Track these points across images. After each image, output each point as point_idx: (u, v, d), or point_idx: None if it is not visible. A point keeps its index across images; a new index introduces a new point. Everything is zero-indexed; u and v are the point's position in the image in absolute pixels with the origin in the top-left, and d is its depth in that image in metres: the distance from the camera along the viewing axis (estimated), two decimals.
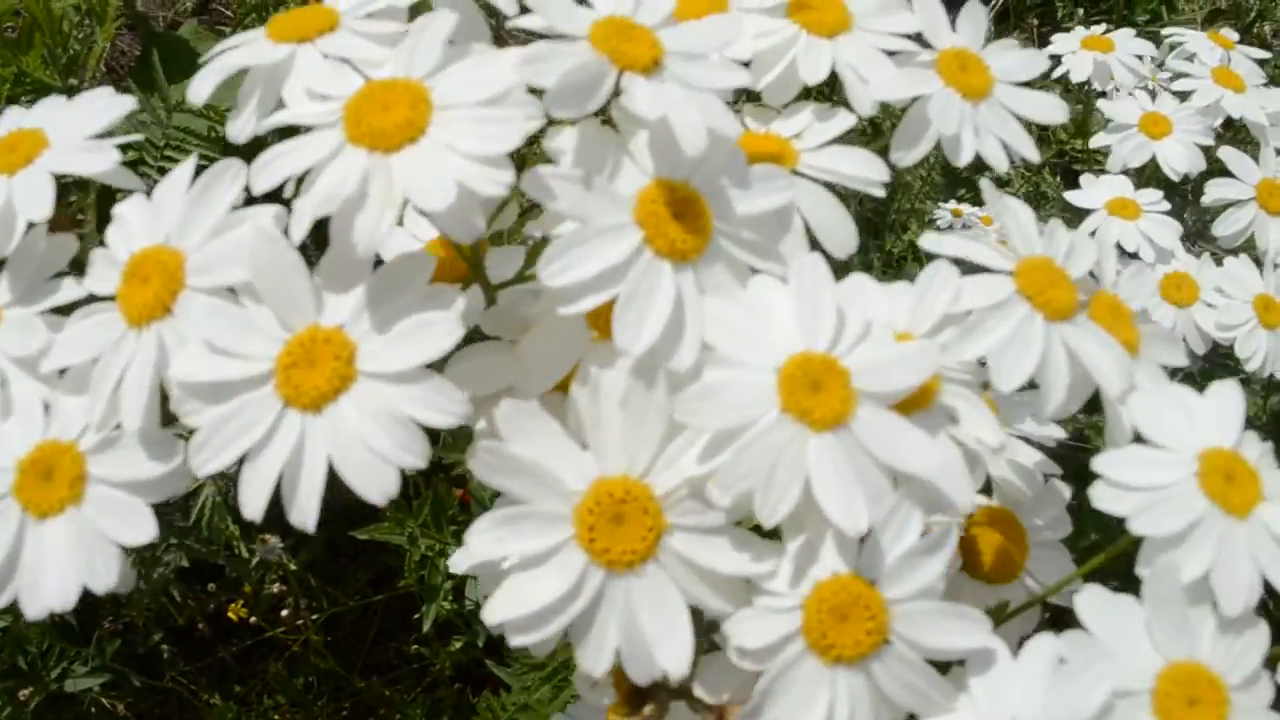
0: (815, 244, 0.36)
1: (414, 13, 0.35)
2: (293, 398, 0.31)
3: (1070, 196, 0.81)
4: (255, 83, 0.35)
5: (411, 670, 1.07)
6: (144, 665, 1.00)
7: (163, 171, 1.05)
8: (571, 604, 0.30)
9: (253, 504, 0.30)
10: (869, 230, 1.12)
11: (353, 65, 0.33)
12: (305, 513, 0.30)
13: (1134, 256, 0.76)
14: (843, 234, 0.36)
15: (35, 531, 0.32)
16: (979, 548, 0.44)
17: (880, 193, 0.36)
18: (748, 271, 0.33)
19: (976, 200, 1.14)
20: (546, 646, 0.38)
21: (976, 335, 0.34)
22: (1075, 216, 0.80)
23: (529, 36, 0.33)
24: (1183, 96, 0.82)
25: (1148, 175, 0.82)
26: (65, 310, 0.35)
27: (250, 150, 0.35)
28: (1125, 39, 0.91)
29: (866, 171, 0.36)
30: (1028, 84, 0.40)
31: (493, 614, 0.31)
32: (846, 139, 0.39)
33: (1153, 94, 0.87)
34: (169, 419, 0.33)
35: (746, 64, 0.37)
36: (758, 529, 0.31)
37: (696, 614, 0.32)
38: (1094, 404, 0.37)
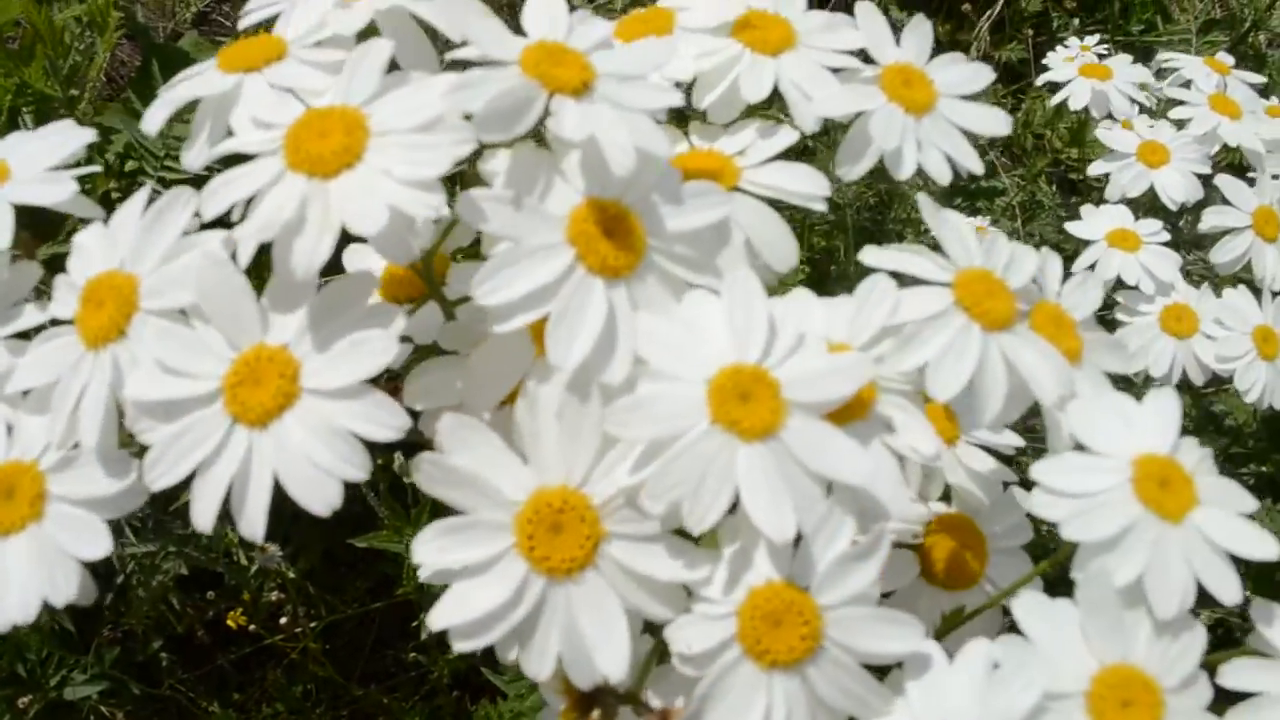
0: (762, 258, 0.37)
1: (362, 40, 0.36)
2: (240, 414, 0.32)
3: (1070, 227, 0.81)
4: (206, 112, 0.36)
5: (410, 678, 1.08)
6: (143, 673, 1.01)
7: (162, 181, 1.07)
8: (513, 610, 0.31)
9: (204, 516, 0.31)
10: (865, 239, 1.12)
11: (296, 94, 0.34)
12: (253, 524, 0.31)
13: (1134, 289, 0.76)
14: (784, 248, 0.36)
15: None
16: (936, 555, 0.45)
17: (821, 208, 0.37)
18: (684, 286, 0.34)
19: (972, 210, 1.14)
20: (505, 650, 0.39)
21: (914, 346, 0.35)
22: (1071, 224, 0.81)
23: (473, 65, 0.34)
24: (1180, 124, 0.82)
25: (1145, 203, 0.83)
26: (26, 336, 0.37)
27: (207, 176, 0.36)
28: (1123, 66, 0.91)
29: (808, 187, 0.37)
30: (974, 96, 0.41)
31: (436, 620, 0.31)
32: (802, 154, 0.39)
33: (1151, 112, 0.87)
34: (127, 437, 0.34)
35: (690, 84, 0.38)
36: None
37: (650, 625, 0.33)
38: None
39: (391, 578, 1.06)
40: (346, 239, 0.32)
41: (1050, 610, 0.34)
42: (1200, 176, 0.80)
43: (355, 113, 0.33)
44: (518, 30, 0.36)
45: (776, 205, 0.38)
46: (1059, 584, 0.37)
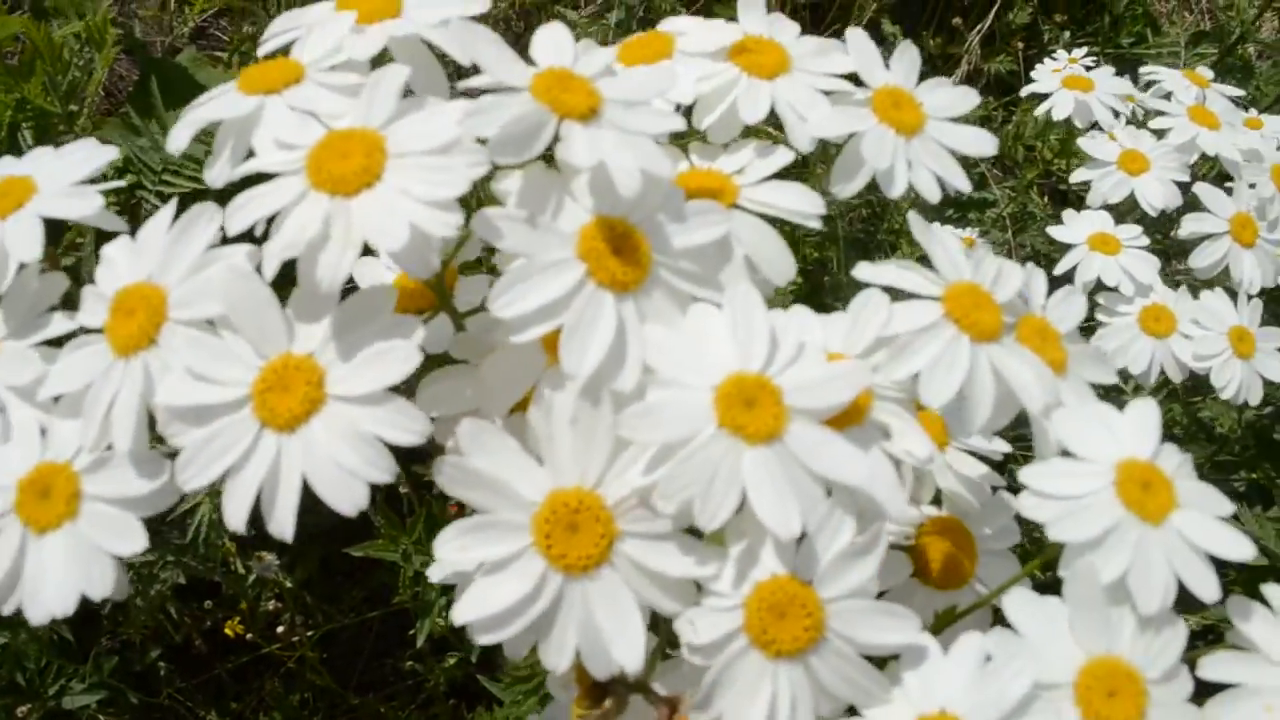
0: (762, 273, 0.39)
1: (375, 66, 0.38)
2: (269, 419, 0.33)
3: (1053, 231, 0.84)
4: (228, 133, 0.38)
5: (406, 686, 1.09)
6: (141, 682, 1.02)
7: (160, 196, 1.08)
8: (532, 605, 0.33)
9: (235, 516, 0.33)
10: (858, 250, 1.14)
11: (315, 116, 0.36)
12: (283, 524, 0.33)
13: (1114, 291, 0.79)
14: (781, 263, 0.38)
15: (35, 545, 0.35)
16: (929, 556, 0.46)
17: (816, 225, 0.39)
18: (688, 300, 0.35)
19: (962, 221, 1.17)
20: (516, 647, 0.40)
21: (906, 356, 0.37)
22: (1053, 229, 0.84)
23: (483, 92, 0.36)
24: (1160, 134, 0.85)
25: (1125, 210, 0.85)
26: (56, 343, 0.38)
27: (226, 189, 0.38)
28: (1104, 78, 0.94)
29: (803, 205, 0.39)
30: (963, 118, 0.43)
31: (460, 615, 0.33)
32: (797, 171, 0.41)
33: (1135, 124, 0.90)
34: (156, 440, 0.35)
35: (690, 107, 0.40)
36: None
37: (657, 619, 0.35)
38: None
39: (388, 587, 1.07)
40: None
41: (1039, 606, 0.36)
42: (1180, 185, 0.83)
43: (374, 135, 0.34)
44: (524, 57, 0.37)
45: (773, 222, 0.39)
46: (1047, 587, 0.39)
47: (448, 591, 1.07)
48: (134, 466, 0.35)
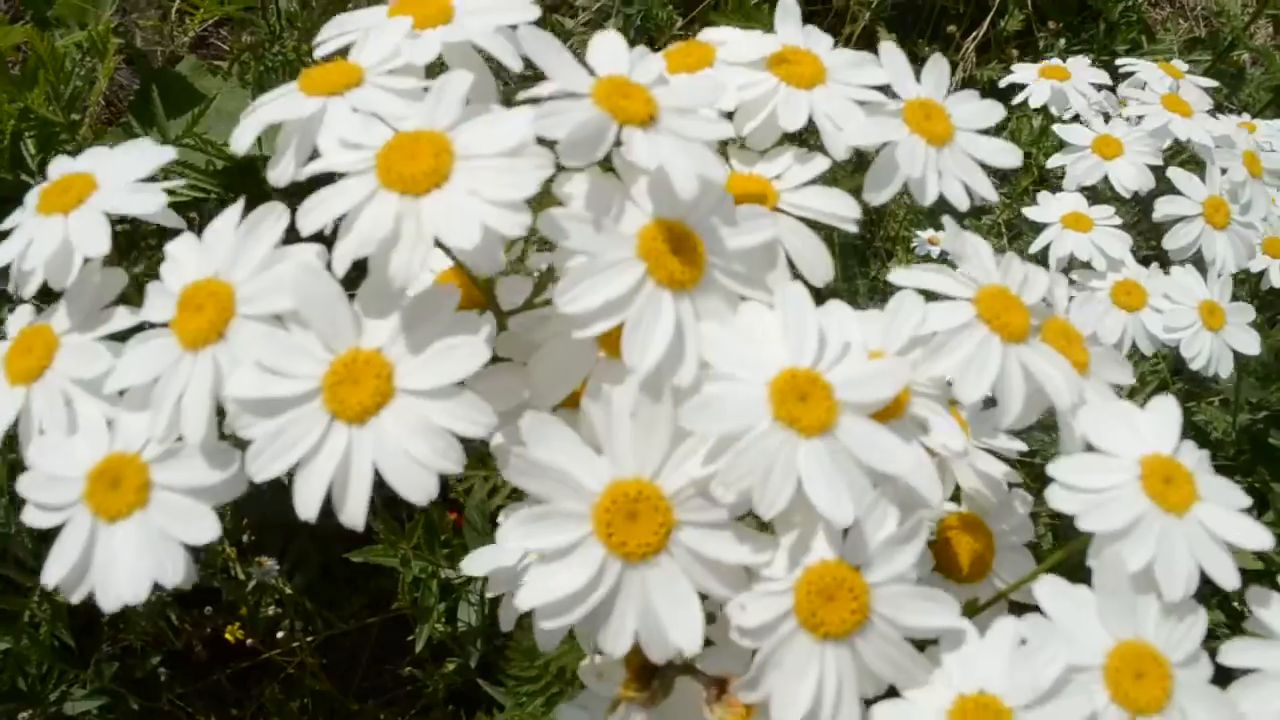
0: (798, 272, 0.40)
1: (430, 68, 0.40)
2: (339, 412, 0.34)
3: (1028, 212, 0.87)
4: (291, 133, 0.39)
5: (405, 692, 1.10)
6: (142, 688, 1.02)
7: None
8: (593, 592, 0.34)
9: (308, 506, 0.34)
10: (855, 256, 1.17)
11: (380, 118, 0.37)
12: (355, 515, 0.34)
13: (1086, 265, 0.82)
14: (821, 265, 0.40)
15: (106, 533, 0.36)
16: (951, 551, 0.48)
17: (853, 228, 0.41)
18: (738, 299, 0.37)
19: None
20: (554, 637, 0.42)
21: (942, 354, 0.39)
22: (1037, 233, 0.86)
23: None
24: (1136, 121, 0.88)
25: (1102, 195, 0.88)
26: (119, 337, 0.39)
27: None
28: (1080, 68, 0.97)
29: (840, 209, 0.41)
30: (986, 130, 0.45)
31: (524, 601, 0.34)
32: (829, 177, 0.43)
33: (1106, 117, 0.92)
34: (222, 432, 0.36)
35: (730, 114, 0.42)
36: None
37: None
38: (1050, 428, 0.41)
39: (388, 593, 1.08)
40: None
41: (1069, 594, 0.37)
42: (1153, 170, 0.85)
43: (441, 137, 0.36)
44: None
45: (811, 225, 0.41)
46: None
47: (446, 597, 1.08)
48: (204, 457, 0.36)
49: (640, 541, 0.34)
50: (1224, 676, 0.38)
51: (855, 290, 0.99)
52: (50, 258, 0.38)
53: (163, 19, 1.32)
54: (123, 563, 0.35)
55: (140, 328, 0.39)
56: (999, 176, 1.23)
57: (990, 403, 0.50)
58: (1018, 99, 0.97)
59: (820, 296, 0.38)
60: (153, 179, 0.41)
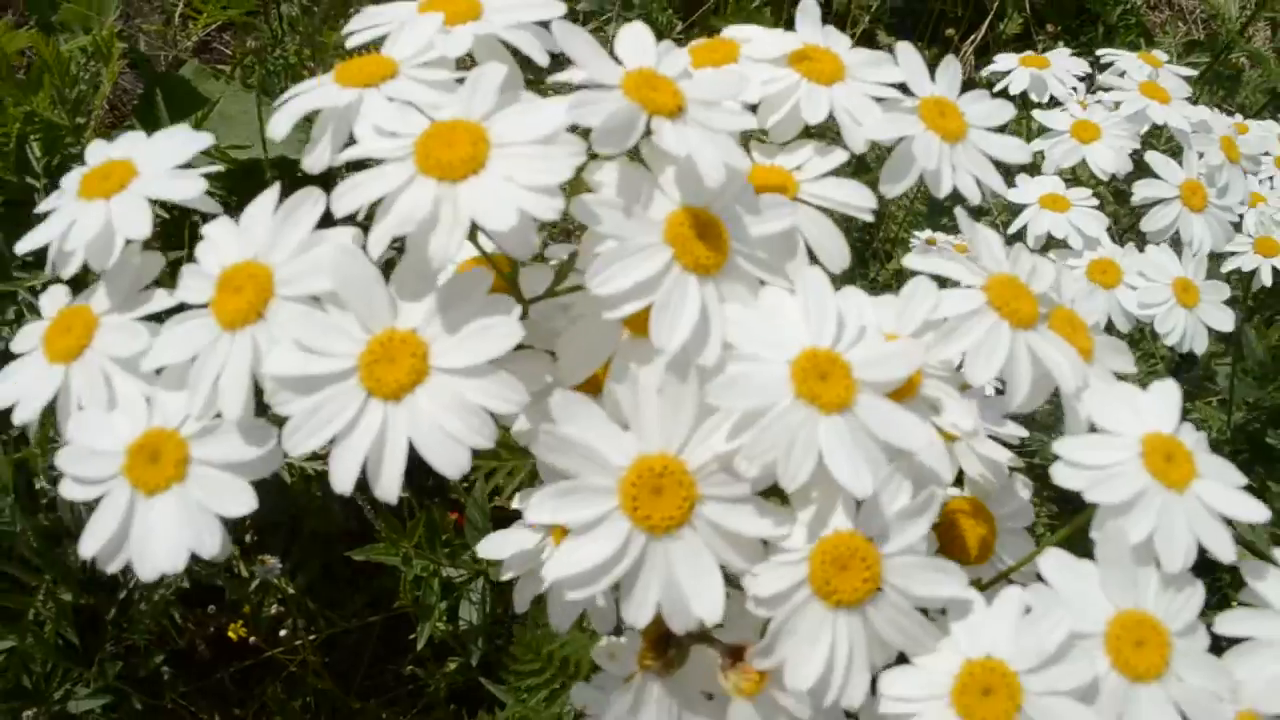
0: (815, 259, 0.42)
1: (458, 62, 0.41)
2: (375, 389, 0.36)
3: (1007, 194, 0.89)
4: (327, 122, 0.41)
5: (407, 691, 1.11)
6: (145, 686, 1.02)
7: (162, 204, 1.10)
8: (619, 564, 0.35)
9: (344, 480, 0.35)
10: (856, 257, 1.19)
11: (416, 107, 0.39)
12: (389, 488, 0.35)
13: (1064, 244, 0.85)
14: (838, 252, 0.42)
15: (144, 506, 0.37)
16: (955, 533, 0.50)
17: (869, 218, 0.42)
18: (759, 284, 0.39)
19: (953, 229, 1.21)
20: (568, 615, 0.43)
21: (954, 338, 0.40)
22: (1014, 215, 0.89)
23: (562, 88, 0.39)
24: (1116, 107, 0.90)
25: (1081, 178, 0.90)
26: (155, 318, 0.40)
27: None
28: (1060, 57, 0.99)
29: (857, 199, 0.43)
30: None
31: (550, 573, 0.36)
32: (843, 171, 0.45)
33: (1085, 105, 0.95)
34: (260, 409, 0.38)
35: (754, 106, 0.43)
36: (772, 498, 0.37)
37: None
38: (1049, 428, 0.42)
39: (389, 593, 1.08)
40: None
41: (1072, 565, 0.39)
42: (1131, 154, 0.88)
43: (477, 126, 0.37)
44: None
45: (828, 214, 0.43)
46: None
47: (448, 596, 1.09)
48: (241, 433, 0.37)
49: (664, 515, 0.36)
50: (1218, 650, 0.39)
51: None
52: (92, 240, 0.40)
53: (166, 24, 1.33)
54: (161, 534, 0.36)
55: (178, 309, 0.40)
56: (1005, 172, 1.25)
57: (995, 390, 0.51)
58: (998, 86, 0.99)
59: (834, 285, 0.40)
60: (190, 165, 0.42)
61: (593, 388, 0.40)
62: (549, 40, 0.41)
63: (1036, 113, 0.93)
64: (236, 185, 1.19)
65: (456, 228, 0.36)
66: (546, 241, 0.46)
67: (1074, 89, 0.97)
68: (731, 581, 0.37)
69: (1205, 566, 0.40)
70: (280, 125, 0.41)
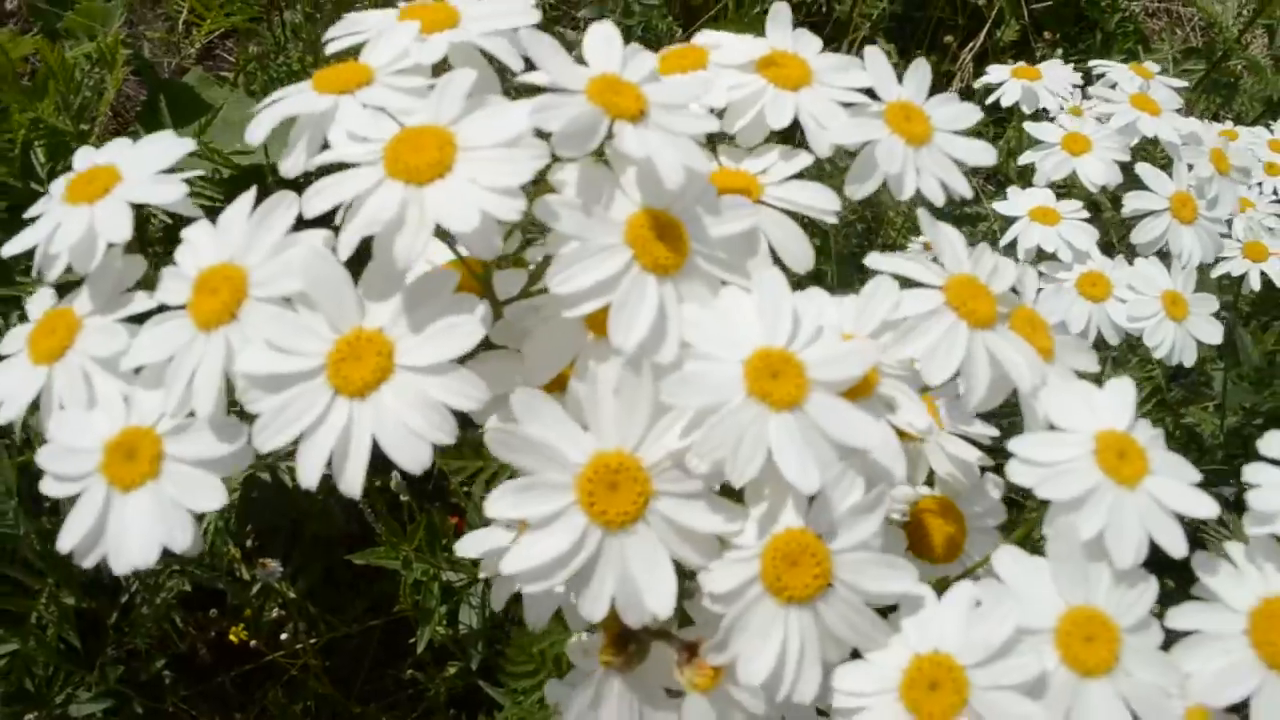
0: (780, 261, 0.43)
1: (435, 68, 0.42)
2: (342, 387, 0.37)
3: (997, 206, 0.89)
4: (303, 127, 0.42)
5: (407, 695, 1.11)
6: (146, 690, 1.03)
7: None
8: (575, 557, 0.36)
9: (309, 475, 0.36)
10: (852, 265, 1.19)
11: (388, 113, 0.40)
12: (353, 483, 0.36)
13: (1053, 258, 0.85)
14: (800, 253, 0.43)
15: (120, 502, 0.38)
16: (924, 533, 0.51)
17: (833, 220, 0.43)
18: (719, 284, 0.40)
19: None
20: (544, 608, 0.43)
21: (911, 338, 0.41)
22: (998, 203, 0.89)
23: (534, 90, 0.40)
24: (1106, 120, 0.91)
25: (1073, 190, 0.91)
26: (136, 320, 0.41)
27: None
28: (1053, 68, 1.00)
29: (821, 202, 0.44)
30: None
31: (508, 566, 0.37)
32: (812, 175, 0.46)
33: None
34: (232, 407, 0.39)
35: (721, 111, 0.44)
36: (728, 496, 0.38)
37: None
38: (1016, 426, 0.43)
39: (390, 597, 1.09)
40: None
41: (1024, 561, 0.40)
42: (1121, 166, 0.88)
43: (445, 131, 0.38)
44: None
45: (793, 217, 0.44)
46: None
47: (448, 600, 1.09)
48: (213, 431, 0.38)
49: (620, 510, 0.37)
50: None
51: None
52: (76, 243, 0.41)
53: (170, 31, 1.36)
54: (135, 530, 0.38)
55: (158, 310, 0.41)
56: (996, 185, 1.26)
57: None
58: (990, 98, 1.00)
59: (802, 286, 0.41)
60: (173, 170, 0.44)
61: (560, 387, 0.41)
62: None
63: (1027, 125, 0.93)
64: (239, 190, 1.21)
65: (422, 229, 0.37)
66: (525, 244, 0.47)
67: (1068, 96, 0.98)
68: (692, 578, 0.38)
69: (1169, 564, 0.40)
70: (258, 130, 0.42)
